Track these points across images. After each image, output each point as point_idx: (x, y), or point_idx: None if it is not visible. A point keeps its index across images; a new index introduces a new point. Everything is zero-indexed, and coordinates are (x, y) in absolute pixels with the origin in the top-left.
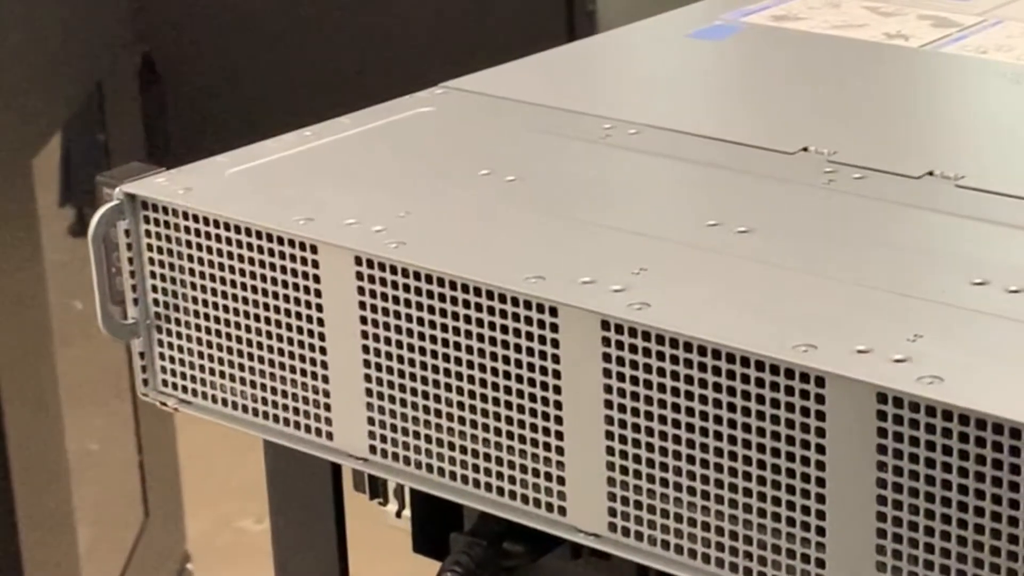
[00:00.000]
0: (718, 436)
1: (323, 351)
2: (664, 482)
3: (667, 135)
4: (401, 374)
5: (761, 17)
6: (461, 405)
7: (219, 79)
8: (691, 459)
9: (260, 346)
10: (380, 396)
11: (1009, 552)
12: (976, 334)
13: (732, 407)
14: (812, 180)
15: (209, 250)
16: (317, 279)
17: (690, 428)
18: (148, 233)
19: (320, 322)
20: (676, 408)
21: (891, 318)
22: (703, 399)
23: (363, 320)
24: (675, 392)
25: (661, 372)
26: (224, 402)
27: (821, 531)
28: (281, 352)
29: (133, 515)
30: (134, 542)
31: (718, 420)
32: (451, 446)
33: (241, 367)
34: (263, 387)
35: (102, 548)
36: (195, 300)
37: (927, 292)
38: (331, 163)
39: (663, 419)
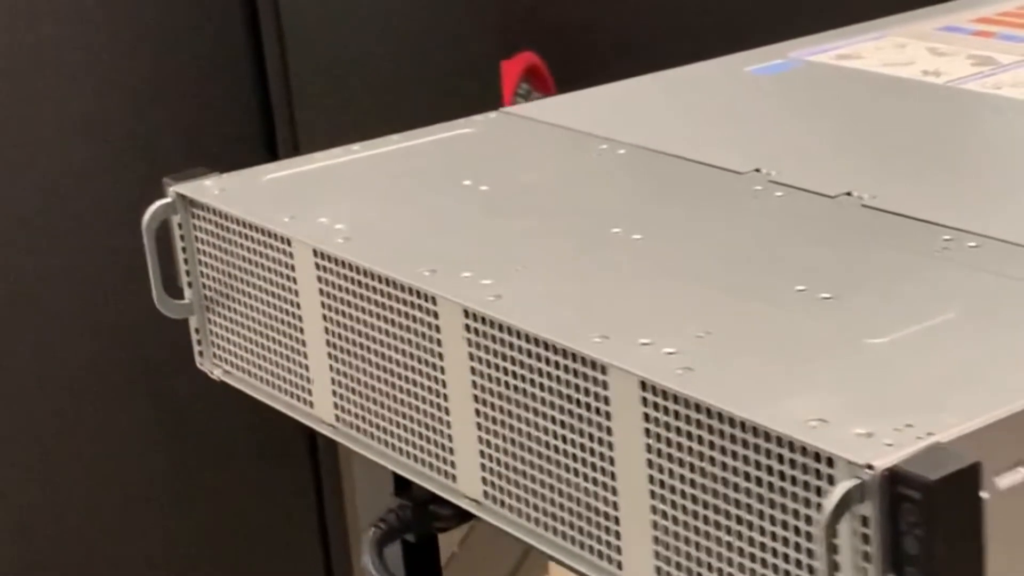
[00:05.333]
0: (543, 416)
1: (301, 331)
2: (510, 454)
3: (634, 151)
4: (354, 356)
5: (826, 56)
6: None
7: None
8: (528, 435)
9: (271, 328)
10: (339, 372)
11: (748, 538)
12: (758, 334)
13: (551, 390)
14: (739, 196)
15: (232, 243)
16: (292, 268)
17: (525, 408)
18: (195, 227)
19: (297, 305)
20: (517, 390)
21: (694, 315)
22: (535, 384)
23: (323, 305)
24: (514, 375)
25: (508, 359)
26: (255, 376)
27: (615, 505)
28: (285, 336)
29: None
30: None
31: (542, 401)
32: (383, 417)
33: (263, 347)
34: (276, 364)
35: None
36: (228, 285)
37: (747, 294)
38: (353, 176)
39: (504, 397)
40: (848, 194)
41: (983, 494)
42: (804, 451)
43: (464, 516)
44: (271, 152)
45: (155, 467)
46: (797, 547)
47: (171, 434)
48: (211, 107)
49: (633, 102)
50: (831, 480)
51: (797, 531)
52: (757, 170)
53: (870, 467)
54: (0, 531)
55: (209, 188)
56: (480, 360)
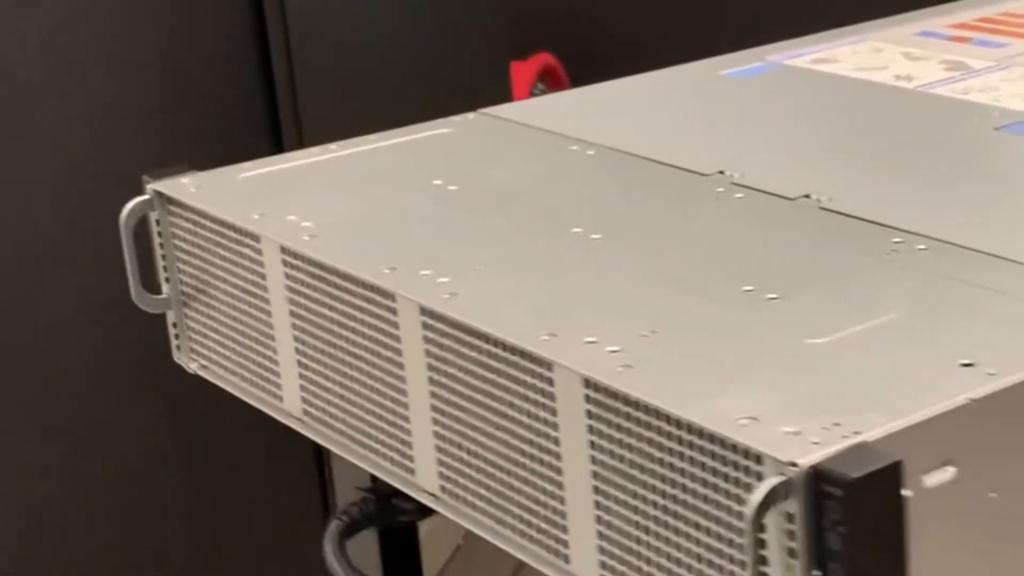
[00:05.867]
0: (495, 411)
1: (271, 326)
2: (465, 448)
3: (604, 152)
4: (320, 352)
5: (803, 60)
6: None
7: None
8: (481, 430)
9: (243, 323)
10: (306, 367)
11: (685, 533)
12: (701, 333)
13: (502, 387)
14: (700, 197)
15: (206, 239)
16: (261, 264)
17: (479, 404)
18: (172, 223)
19: (266, 301)
20: (470, 386)
21: (641, 314)
22: (487, 380)
23: (290, 301)
24: (468, 372)
25: (462, 356)
26: (229, 370)
27: (563, 500)
28: (256, 331)
29: None
30: None
31: (494, 397)
32: (347, 412)
33: (236, 342)
34: (248, 359)
35: None
36: (203, 280)
37: (695, 294)
38: (326, 175)
39: (458, 393)
40: (807, 196)
41: (906, 492)
42: (735, 448)
43: (425, 510)
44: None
45: (159, 463)
46: (730, 542)
47: (175, 430)
48: (217, 107)
49: (608, 104)
50: (760, 477)
51: (729, 526)
52: (721, 172)
53: (794, 465)
54: (5, 528)
55: (185, 186)
56: (436, 356)
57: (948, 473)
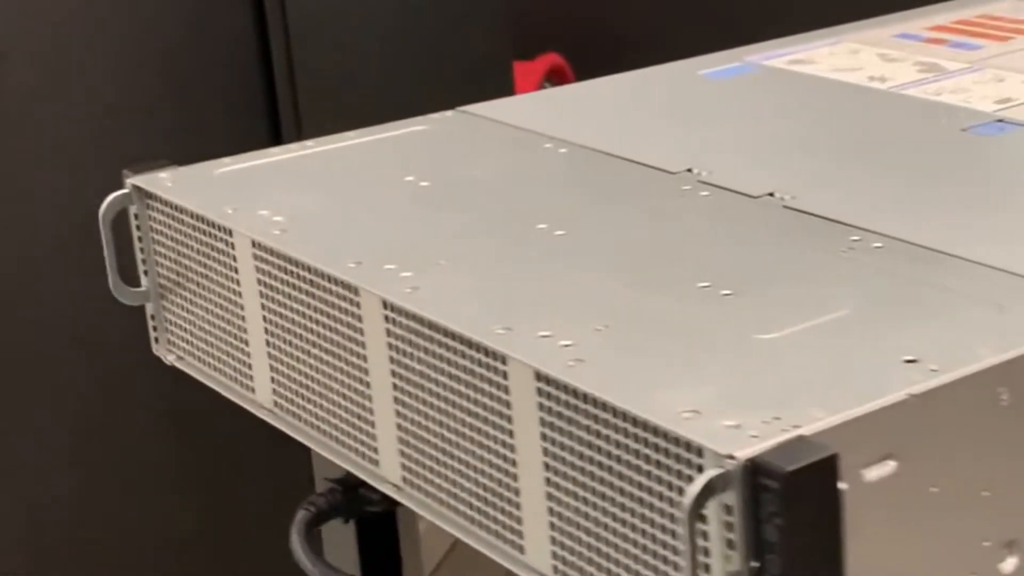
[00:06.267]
0: (453, 404)
1: (243, 319)
2: (426, 440)
3: (576, 151)
4: (289, 344)
5: (781, 61)
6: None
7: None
8: (440, 422)
9: (217, 316)
10: (276, 359)
11: (631, 524)
12: (654, 329)
13: (460, 380)
14: (666, 195)
15: (183, 233)
16: (234, 258)
17: (438, 397)
18: (150, 217)
19: (239, 294)
20: (430, 379)
21: (596, 309)
22: (446, 374)
23: (261, 294)
24: (428, 365)
25: (423, 349)
26: (204, 362)
27: (517, 491)
28: (229, 323)
29: None
30: None
31: (452, 391)
32: (314, 403)
33: (211, 334)
34: (222, 351)
35: None
36: (179, 274)
37: (651, 290)
38: (301, 171)
39: (419, 386)
40: (771, 195)
41: (842, 485)
42: (677, 441)
43: (391, 501)
44: None
45: (161, 460)
46: (674, 534)
47: (177, 430)
48: (217, 107)
49: (585, 103)
50: (701, 469)
51: (672, 518)
52: (689, 170)
53: (732, 457)
54: (8, 525)
55: (163, 180)
56: (398, 350)
57: (889, 467)
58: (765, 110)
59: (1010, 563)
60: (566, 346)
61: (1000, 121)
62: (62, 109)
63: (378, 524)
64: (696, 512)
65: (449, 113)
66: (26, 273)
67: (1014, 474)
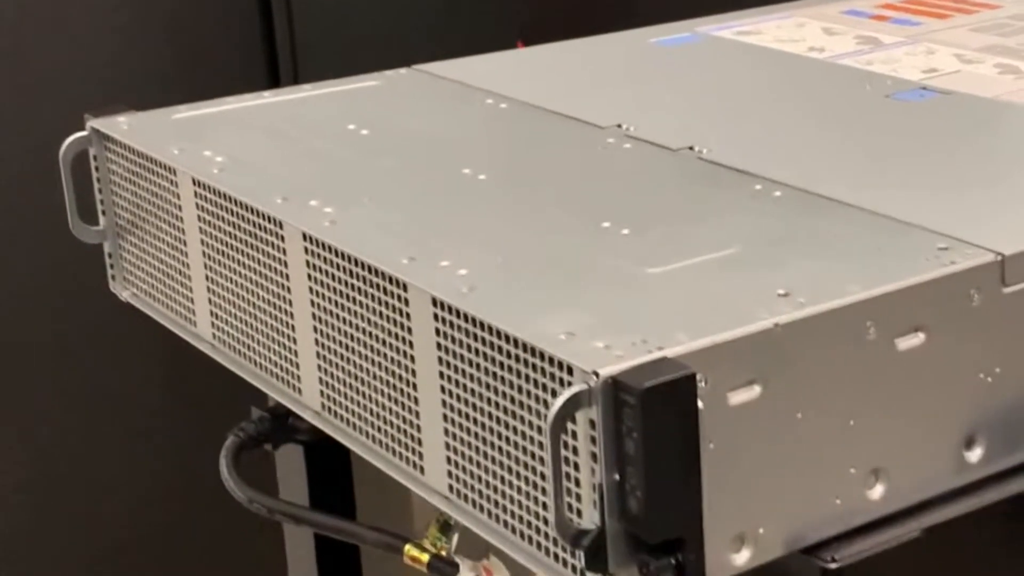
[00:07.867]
0: (365, 331)
1: (186, 255)
2: (341, 367)
3: (515, 106)
4: (225, 279)
5: (730, 32)
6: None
7: None
8: (353, 349)
9: (165, 253)
10: (214, 293)
11: (514, 442)
12: (550, 262)
13: (369, 308)
14: (591, 146)
15: (136, 174)
16: (178, 196)
17: (351, 324)
18: (108, 159)
19: (182, 231)
20: (344, 308)
21: (499, 244)
22: (358, 302)
23: (201, 231)
24: (342, 294)
25: (338, 280)
26: (154, 299)
27: (418, 414)
28: (175, 260)
29: None
30: None
31: (363, 318)
32: (247, 335)
33: (160, 271)
34: (169, 287)
35: None
36: (134, 213)
37: (555, 228)
38: (251, 118)
39: (335, 315)
40: (690, 148)
41: (700, 404)
42: (552, 361)
43: (318, 431)
44: None
45: (163, 458)
46: (542, 445)
47: (178, 432)
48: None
49: (535, 64)
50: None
51: (541, 431)
52: (619, 126)
53: (596, 374)
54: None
55: (120, 123)
56: (316, 280)
57: (754, 392)
58: (703, 75)
59: (878, 490)
60: (463, 275)
61: (924, 89)
62: (63, 89)
63: (328, 455)
64: (560, 424)
65: (404, 70)
66: (28, 252)
67: (880, 404)
